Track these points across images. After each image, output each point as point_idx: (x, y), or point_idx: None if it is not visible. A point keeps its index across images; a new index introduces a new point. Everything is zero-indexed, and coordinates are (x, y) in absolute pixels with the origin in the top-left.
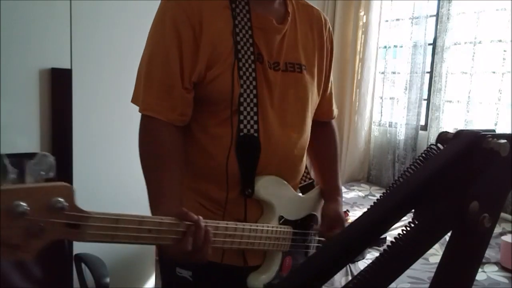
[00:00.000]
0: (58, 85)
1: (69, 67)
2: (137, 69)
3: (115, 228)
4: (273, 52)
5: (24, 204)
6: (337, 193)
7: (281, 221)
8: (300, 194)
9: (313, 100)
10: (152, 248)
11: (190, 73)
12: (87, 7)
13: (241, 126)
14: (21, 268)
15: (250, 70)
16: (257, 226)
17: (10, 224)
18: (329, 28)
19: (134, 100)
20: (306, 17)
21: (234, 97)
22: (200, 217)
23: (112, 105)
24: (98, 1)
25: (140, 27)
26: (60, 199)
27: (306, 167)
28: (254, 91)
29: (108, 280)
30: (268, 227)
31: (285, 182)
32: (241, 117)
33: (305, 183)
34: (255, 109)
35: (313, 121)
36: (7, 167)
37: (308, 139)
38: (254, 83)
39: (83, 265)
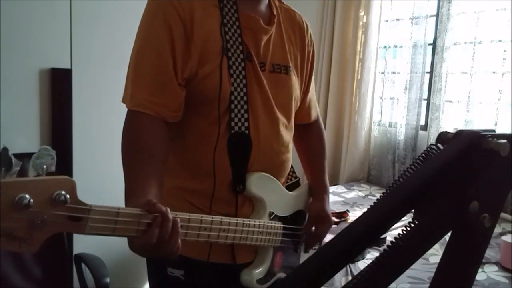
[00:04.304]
0: (58, 85)
1: (69, 67)
2: None
3: (116, 221)
4: (260, 52)
5: (27, 196)
6: (323, 191)
7: (271, 217)
8: (289, 191)
9: (296, 100)
10: None
11: (182, 69)
12: (87, 7)
13: (232, 124)
14: (21, 268)
15: (240, 68)
16: (243, 220)
17: (14, 216)
18: (310, 32)
19: (123, 99)
20: (289, 20)
21: (225, 96)
22: (168, 209)
23: (112, 105)
24: (98, 1)
25: None
26: (62, 192)
27: (291, 166)
28: (244, 89)
29: (108, 280)
30: (256, 222)
31: (274, 179)
32: (232, 115)
33: (291, 182)
34: (245, 107)
35: (299, 123)
36: (12, 160)
37: (292, 138)
38: (244, 81)
39: (83, 265)
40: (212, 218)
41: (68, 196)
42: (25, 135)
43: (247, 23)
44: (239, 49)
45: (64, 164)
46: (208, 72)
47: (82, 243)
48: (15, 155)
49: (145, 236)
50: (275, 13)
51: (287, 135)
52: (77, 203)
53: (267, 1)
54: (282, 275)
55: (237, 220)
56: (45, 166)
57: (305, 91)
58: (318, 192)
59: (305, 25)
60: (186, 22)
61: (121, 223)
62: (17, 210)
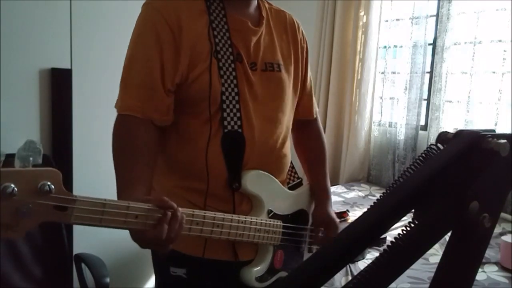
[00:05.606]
0: (58, 85)
1: (69, 67)
2: None
3: (102, 212)
4: (250, 53)
5: (12, 185)
6: (325, 195)
7: (270, 215)
8: (289, 190)
9: (291, 97)
10: None
11: (173, 75)
12: (87, 7)
13: (225, 123)
14: (21, 268)
15: (230, 69)
16: (239, 217)
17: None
18: (302, 30)
19: (115, 105)
20: (280, 21)
21: (216, 96)
22: (164, 198)
23: (112, 105)
24: (98, 1)
25: None
26: (48, 182)
27: (293, 167)
28: (236, 89)
29: (108, 280)
30: (253, 219)
31: (272, 177)
32: (225, 114)
33: (293, 182)
34: (237, 106)
35: (296, 121)
36: None
37: (288, 135)
38: (235, 81)
39: (83, 265)
40: (205, 213)
41: (52, 186)
42: (25, 135)
43: (235, 26)
44: (228, 51)
45: (64, 164)
46: (198, 74)
47: (82, 243)
48: (15, 155)
49: (155, 231)
50: (263, 14)
51: (283, 132)
52: (62, 193)
53: (255, 4)
54: (283, 274)
55: (231, 216)
56: (31, 159)
57: (302, 86)
58: (320, 196)
59: (296, 24)
60: (174, 28)
61: (108, 214)
62: (3, 198)
